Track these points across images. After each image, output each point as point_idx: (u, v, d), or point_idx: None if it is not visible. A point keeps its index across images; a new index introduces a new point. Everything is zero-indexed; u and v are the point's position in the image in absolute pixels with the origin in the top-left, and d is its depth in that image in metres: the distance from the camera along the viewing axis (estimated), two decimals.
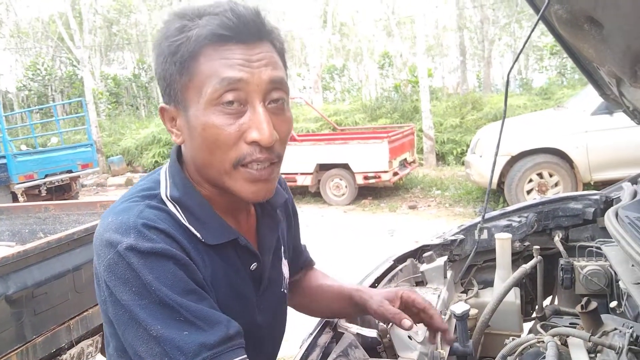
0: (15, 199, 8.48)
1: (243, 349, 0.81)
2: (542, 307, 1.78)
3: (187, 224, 0.87)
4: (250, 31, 0.82)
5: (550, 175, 6.49)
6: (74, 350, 2.40)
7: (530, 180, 6.56)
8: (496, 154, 1.55)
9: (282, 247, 1.08)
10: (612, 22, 1.16)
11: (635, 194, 1.50)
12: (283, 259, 1.08)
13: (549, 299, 2.00)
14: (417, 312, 1.13)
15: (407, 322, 1.03)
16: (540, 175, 6.53)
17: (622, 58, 1.28)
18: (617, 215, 1.26)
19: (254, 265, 0.96)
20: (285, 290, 1.09)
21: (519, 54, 1.52)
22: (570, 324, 1.54)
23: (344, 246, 6.13)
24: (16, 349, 2.06)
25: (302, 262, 1.25)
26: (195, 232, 0.87)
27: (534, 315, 1.86)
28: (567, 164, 6.39)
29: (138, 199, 0.87)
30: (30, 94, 21.96)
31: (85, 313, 2.42)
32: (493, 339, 1.66)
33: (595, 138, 6.12)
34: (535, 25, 1.43)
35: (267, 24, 0.86)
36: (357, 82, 22.99)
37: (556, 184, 6.47)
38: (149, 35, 22.54)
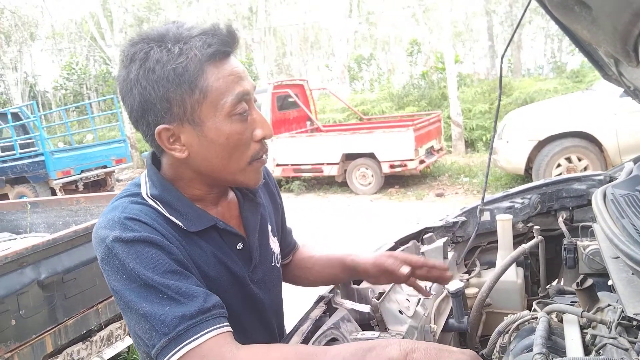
0: (54, 194, 8.82)
1: (224, 319, 0.90)
2: (546, 286, 1.81)
3: (168, 215, 0.97)
4: (235, 44, 0.95)
5: (579, 160, 6.37)
6: (103, 333, 2.56)
7: (559, 165, 6.45)
8: (493, 137, 1.58)
9: (269, 226, 1.18)
10: (597, 3, 1.18)
11: (630, 173, 1.51)
12: (271, 236, 1.18)
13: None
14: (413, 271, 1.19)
15: (405, 268, 1.13)
16: (568, 159, 6.42)
17: (612, 39, 1.29)
18: (605, 193, 1.29)
19: (240, 245, 1.07)
20: (277, 264, 1.19)
21: (512, 36, 1.55)
22: (571, 302, 1.56)
23: (370, 235, 6.17)
24: (49, 330, 2.22)
25: (290, 247, 1.33)
26: (177, 221, 0.98)
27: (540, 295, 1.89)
28: (597, 147, 6.26)
29: (123, 199, 0.98)
30: (67, 93, 22.68)
31: (112, 297, 2.55)
32: (495, 317, 1.70)
33: (625, 120, 5.96)
34: (527, 7, 1.45)
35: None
36: (385, 71, 22.83)
37: (585, 168, 6.34)
38: None
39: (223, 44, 0.92)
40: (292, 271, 1.33)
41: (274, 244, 1.19)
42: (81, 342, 2.46)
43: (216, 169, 0.98)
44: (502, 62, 1.53)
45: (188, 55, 0.90)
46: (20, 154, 9.00)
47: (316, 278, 1.30)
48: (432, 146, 8.98)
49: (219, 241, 1.03)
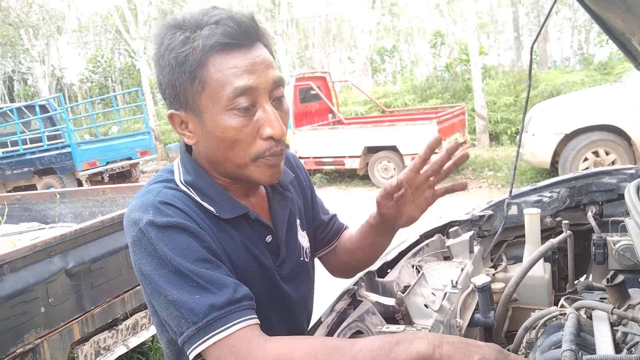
0: (80, 185, 8.99)
1: (252, 310, 0.90)
2: (574, 282, 1.78)
3: (201, 201, 0.98)
4: (249, 36, 0.91)
5: (607, 154, 6.23)
6: (129, 322, 2.60)
7: (586, 159, 6.32)
8: (521, 130, 1.55)
9: (298, 220, 1.17)
10: None
11: None
12: (300, 230, 1.17)
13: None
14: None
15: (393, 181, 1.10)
16: (596, 153, 6.28)
17: None
18: (639, 187, 1.25)
19: (269, 238, 1.06)
20: (306, 259, 1.17)
21: (543, 25, 1.51)
22: (600, 298, 1.53)
23: None
24: (77, 318, 2.27)
25: (335, 230, 1.30)
26: (210, 207, 0.98)
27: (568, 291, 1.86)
28: (625, 141, 6.11)
29: (157, 184, 0.98)
30: (92, 85, 23.06)
31: (138, 287, 2.60)
32: (521, 313, 1.67)
33: None
34: None
35: (260, 26, 0.94)
36: (408, 63, 22.64)
37: (613, 162, 6.20)
38: None
39: (226, 35, 0.88)
40: (339, 257, 1.28)
41: (303, 238, 1.18)
42: (107, 331, 2.50)
43: (219, 160, 0.97)
44: (531, 53, 1.49)
45: (192, 45, 0.89)
46: (48, 145, 9.17)
47: (359, 254, 1.24)
48: (456, 139, 8.88)
49: (248, 231, 1.03)
